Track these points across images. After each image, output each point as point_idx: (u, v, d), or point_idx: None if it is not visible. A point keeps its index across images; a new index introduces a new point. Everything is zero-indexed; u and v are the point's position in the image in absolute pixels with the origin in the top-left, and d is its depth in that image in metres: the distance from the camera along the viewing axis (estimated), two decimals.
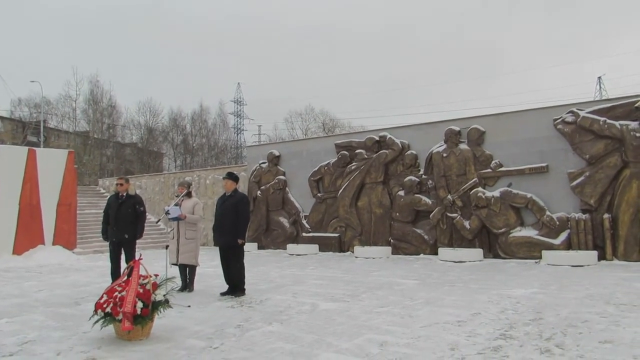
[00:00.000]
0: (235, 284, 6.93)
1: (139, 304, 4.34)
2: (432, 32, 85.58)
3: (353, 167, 14.09)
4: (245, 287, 7.02)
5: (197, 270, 7.67)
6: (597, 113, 10.65)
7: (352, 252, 13.51)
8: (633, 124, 10.22)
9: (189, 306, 6.01)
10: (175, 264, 7.36)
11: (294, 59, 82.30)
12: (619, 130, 10.29)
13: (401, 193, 13.12)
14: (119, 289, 4.48)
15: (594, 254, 9.98)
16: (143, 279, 4.59)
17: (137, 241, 7.42)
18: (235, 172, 7.47)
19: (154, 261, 7.99)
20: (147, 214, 7.83)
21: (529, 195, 11.20)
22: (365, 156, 13.89)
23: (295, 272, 9.84)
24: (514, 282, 7.76)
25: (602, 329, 4.53)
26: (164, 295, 4.62)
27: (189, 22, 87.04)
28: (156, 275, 4.75)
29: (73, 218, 15.07)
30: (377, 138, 13.83)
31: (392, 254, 12.91)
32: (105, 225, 7.41)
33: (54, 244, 14.15)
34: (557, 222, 10.82)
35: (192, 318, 5.43)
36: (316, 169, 15.00)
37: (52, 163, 14.73)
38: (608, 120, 10.44)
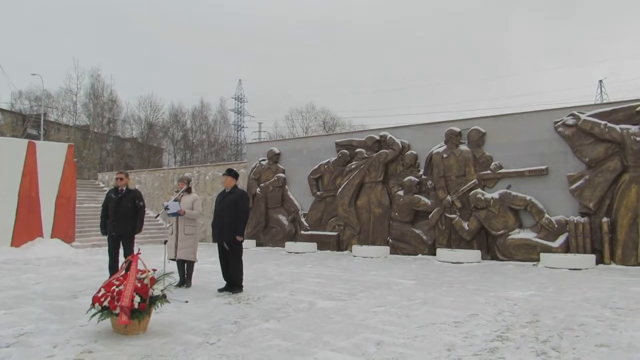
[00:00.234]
0: (233, 281, 6.94)
1: (137, 299, 4.34)
2: (432, 32, 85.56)
3: (353, 166, 14.09)
4: (243, 283, 7.02)
5: (195, 266, 7.67)
6: (598, 116, 10.65)
7: (350, 251, 13.52)
8: (634, 128, 10.22)
9: (187, 302, 6.02)
10: (174, 259, 7.36)
11: (295, 57, 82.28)
12: (620, 134, 10.29)
13: (400, 193, 13.13)
14: (117, 283, 4.49)
15: (591, 257, 9.99)
16: (141, 274, 4.59)
17: (136, 236, 7.42)
18: (235, 169, 7.46)
19: (152, 256, 7.98)
20: (146, 208, 7.83)
21: (528, 197, 11.21)
22: (366, 155, 13.89)
23: (293, 270, 9.84)
24: (512, 284, 7.77)
25: (599, 333, 4.54)
26: (162, 290, 4.62)
27: (190, 17, 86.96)
28: (154, 270, 4.75)
29: (72, 211, 15.06)
30: (378, 137, 13.83)
31: (390, 253, 12.92)
32: (104, 220, 7.39)
33: (52, 236, 14.13)
34: (556, 225, 10.83)
35: (190, 313, 5.44)
36: (316, 167, 15.00)
37: (52, 156, 14.71)
38: (609, 124, 10.44)
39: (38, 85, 42.28)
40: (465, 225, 11.94)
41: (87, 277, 8.68)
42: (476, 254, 11.30)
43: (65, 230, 14.58)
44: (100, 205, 7.81)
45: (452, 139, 12.36)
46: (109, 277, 5.01)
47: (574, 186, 10.73)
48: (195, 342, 4.26)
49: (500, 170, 11.74)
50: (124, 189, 7.32)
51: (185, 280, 7.38)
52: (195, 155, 45.91)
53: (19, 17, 68.95)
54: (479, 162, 12.04)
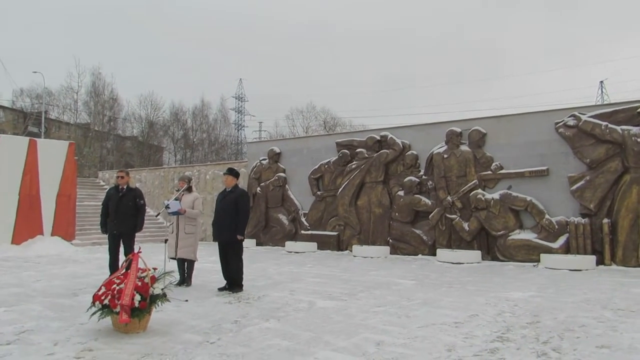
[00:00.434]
0: (234, 280, 6.93)
1: (137, 297, 4.35)
2: (432, 32, 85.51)
3: (353, 166, 14.08)
4: (243, 283, 7.02)
5: (196, 265, 7.67)
6: (598, 117, 10.64)
7: (351, 251, 13.51)
8: (635, 130, 10.21)
9: (187, 300, 6.02)
10: (174, 258, 7.36)
11: (295, 56, 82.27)
12: (621, 135, 10.29)
13: (401, 193, 13.12)
14: (117, 281, 4.49)
15: (592, 258, 9.98)
16: (141, 272, 4.60)
17: (136, 234, 7.42)
18: (235, 168, 7.46)
19: (152, 255, 7.97)
20: (146, 207, 7.83)
21: (528, 198, 11.20)
22: (366, 155, 13.88)
23: (293, 269, 9.84)
24: (512, 284, 7.77)
25: (599, 334, 4.53)
26: (162, 289, 4.62)
27: (191, 16, 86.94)
28: (155, 269, 4.75)
29: (72, 209, 15.07)
30: (379, 137, 13.82)
31: (391, 253, 12.91)
32: (104, 218, 7.39)
33: (52, 234, 14.15)
34: (556, 226, 10.83)
35: (190, 312, 5.44)
36: (316, 166, 14.99)
37: (53, 154, 14.72)
38: (610, 125, 10.44)
39: (39, 83, 42.26)
40: (466, 225, 11.94)
41: (88, 275, 8.68)
42: (476, 254, 11.30)
43: (65, 228, 14.60)
44: (101, 203, 7.80)
45: (453, 139, 12.35)
46: (110, 276, 5.01)
47: (574, 187, 10.72)
48: (195, 341, 4.26)
49: (501, 171, 11.73)
50: (125, 187, 7.31)
51: (185, 279, 7.38)
52: (195, 154, 45.91)
53: (20, 16, 69.00)
54: (480, 162, 12.03)
